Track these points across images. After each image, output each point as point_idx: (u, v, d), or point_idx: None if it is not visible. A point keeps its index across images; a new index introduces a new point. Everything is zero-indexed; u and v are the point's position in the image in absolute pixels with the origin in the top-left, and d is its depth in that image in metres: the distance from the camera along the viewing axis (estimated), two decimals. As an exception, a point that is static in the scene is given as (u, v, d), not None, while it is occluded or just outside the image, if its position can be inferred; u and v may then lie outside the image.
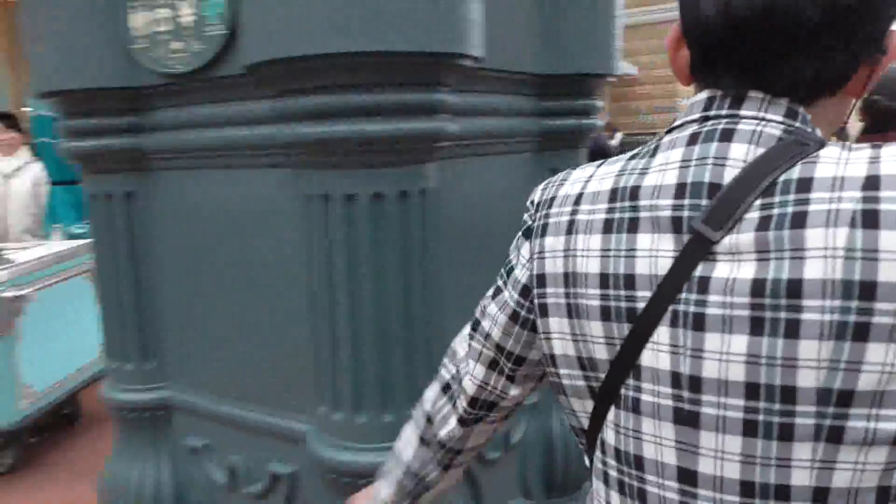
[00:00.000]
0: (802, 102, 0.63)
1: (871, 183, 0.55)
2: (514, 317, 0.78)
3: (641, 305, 0.64)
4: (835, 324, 0.54)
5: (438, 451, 0.91)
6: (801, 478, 0.57)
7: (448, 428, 0.89)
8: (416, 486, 0.93)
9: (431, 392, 0.92)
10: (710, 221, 0.60)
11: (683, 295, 0.62)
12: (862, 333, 0.54)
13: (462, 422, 0.87)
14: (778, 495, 0.58)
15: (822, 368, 0.55)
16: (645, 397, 0.65)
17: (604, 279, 0.67)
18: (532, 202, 0.77)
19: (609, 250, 0.67)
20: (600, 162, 0.74)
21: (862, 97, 0.66)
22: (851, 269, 0.54)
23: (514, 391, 0.84)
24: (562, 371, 0.73)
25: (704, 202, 0.61)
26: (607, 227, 0.67)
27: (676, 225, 0.63)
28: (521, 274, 0.77)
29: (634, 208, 0.66)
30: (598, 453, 0.72)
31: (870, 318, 0.53)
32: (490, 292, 0.83)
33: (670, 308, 0.62)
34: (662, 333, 0.63)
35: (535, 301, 0.74)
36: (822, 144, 0.60)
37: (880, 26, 0.61)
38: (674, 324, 0.62)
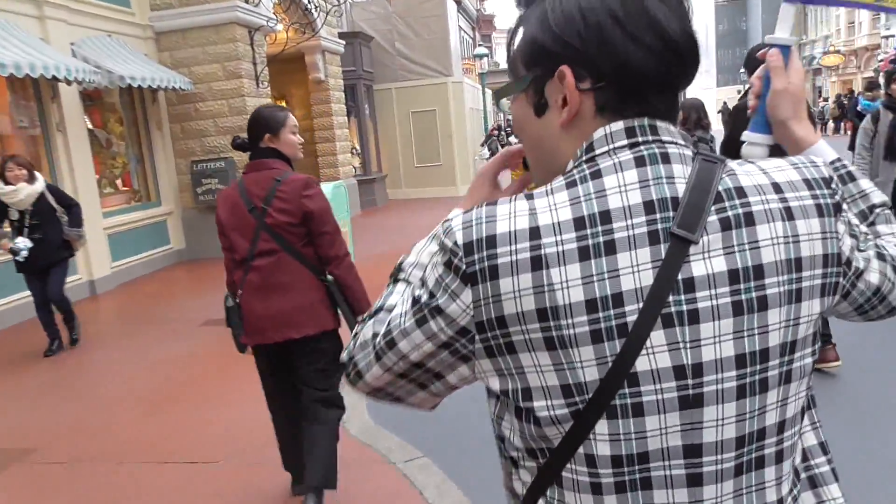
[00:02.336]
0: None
1: (777, 188, 0.75)
2: (446, 346, 0.77)
3: (632, 319, 0.69)
4: (786, 293, 0.73)
5: None
6: (771, 418, 0.75)
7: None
8: None
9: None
10: (686, 226, 0.71)
11: (672, 297, 0.70)
12: (799, 296, 0.74)
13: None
14: (758, 437, 0.74)
15: (783, 328, 0.73)
16: (647, 398, 0.71)
17: (591, 304, 0.69)
18: (456, 244, 0.73)
19: (591, 276, 0.70)
20: (516, 196, 0.75)
21: None
22: (788, 250, 0.73)
23: (420, 393, 0.84)
24: (537, 403, 0.73)
25: (671, 214, 0.71)
26: (583, 254, 0.70)
27: (653, 237, 0.71)
28: (458, 316, 0.74)
29: (609, 231, 0.70)
30: (576, 468, 0.74)
31: (801, 284, 0.74)
32: (405, 317, 0.78)
33: (662, 312, 0.70)
34: (657, 337, 0.70)
35: (489, 342, 0.74)
36: (723, 160, 0.77)
37: None
38: (667, 325, 0.70)
